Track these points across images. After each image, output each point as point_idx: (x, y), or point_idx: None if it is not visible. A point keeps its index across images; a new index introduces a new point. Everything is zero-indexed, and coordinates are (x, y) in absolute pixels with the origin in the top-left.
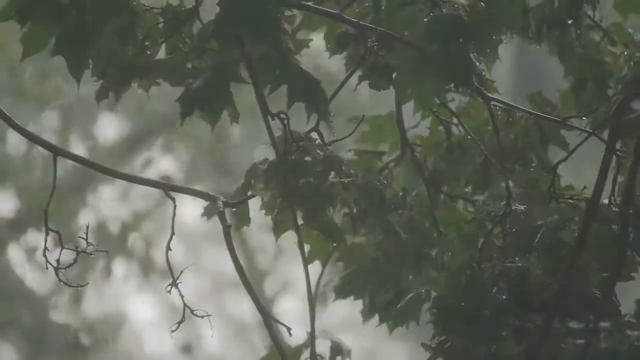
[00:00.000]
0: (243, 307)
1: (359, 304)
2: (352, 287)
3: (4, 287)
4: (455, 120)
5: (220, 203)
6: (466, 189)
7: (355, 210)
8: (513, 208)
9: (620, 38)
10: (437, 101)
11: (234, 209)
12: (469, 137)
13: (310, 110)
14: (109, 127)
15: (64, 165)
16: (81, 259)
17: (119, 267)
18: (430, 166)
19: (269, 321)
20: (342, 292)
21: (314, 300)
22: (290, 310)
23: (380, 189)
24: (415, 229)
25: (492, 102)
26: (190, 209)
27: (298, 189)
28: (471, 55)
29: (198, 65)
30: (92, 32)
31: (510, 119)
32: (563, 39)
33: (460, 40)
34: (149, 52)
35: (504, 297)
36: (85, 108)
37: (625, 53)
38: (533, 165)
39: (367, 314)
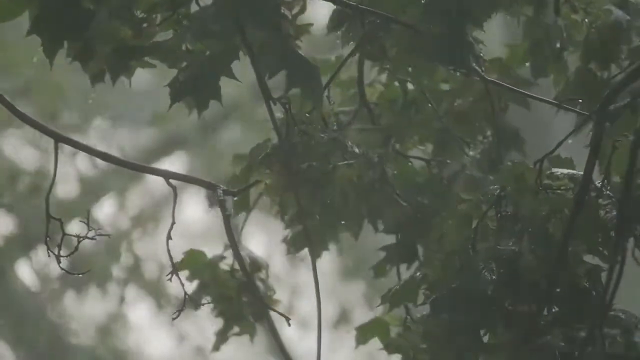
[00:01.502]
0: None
1: (353, 300)
2: (303, 243)
3: (16, 305)
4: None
5: (221, 191)
6: (421, 147)
7: (358, 187)
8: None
9: (579, 2)
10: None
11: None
12: (429, 105)
13: (307, 97)
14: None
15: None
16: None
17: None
18: (385, 122)
19: (268, 312)
20: (293, 247)
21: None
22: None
23: (382, 166)
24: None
25: (490, 84)
26: (191, 210)
27: (301, 172)
28: (469, 36)
29: (194, 48)
30: (88, 12)
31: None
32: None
33: (458, 22)
34: (145, 35)
35: (494, 277)
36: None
37: (586, 20)
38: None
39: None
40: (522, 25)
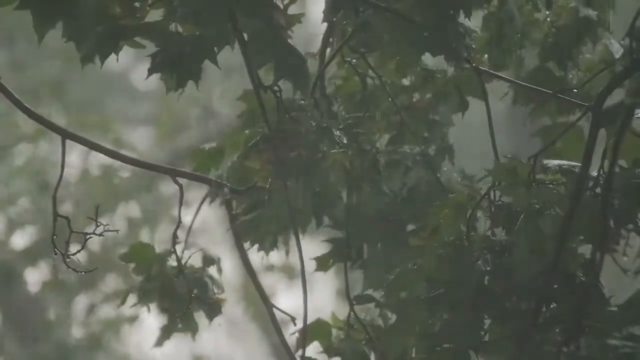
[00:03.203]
0: (239, 309)
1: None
2: (254, 233)
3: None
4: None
5: (227, 190)
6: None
7: (350, 174)
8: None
9: (540, 2)
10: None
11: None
12: (389, 99)
13: (297, 87)
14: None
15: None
16: None
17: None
18: (344, 115)
19: (272, 310)
20: (245, 236)
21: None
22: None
23: (374, 153)
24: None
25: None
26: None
27: (290, 160)
28: (460, 27)
29: (184, 30)
30: None
31: (429, 79)
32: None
33: (451, 12)
34: (138, 15)
35: (488, 268)
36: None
37: (549, 19)
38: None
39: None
40: (482, 17)
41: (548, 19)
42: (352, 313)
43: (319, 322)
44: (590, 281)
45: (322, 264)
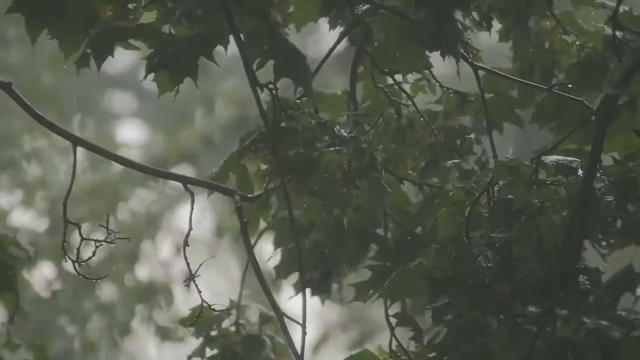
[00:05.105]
0: None
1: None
2: (293, 267)
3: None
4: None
5: (238, 198)
6: (410, 171)
7: (348, 172)
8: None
9: (571, 27)
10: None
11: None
12: (421, 119)
13: (297, 85)
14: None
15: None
16: None
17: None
18: (380, 146)
19: (282, 318)
20: (282, 272)
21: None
22: None
23: (371, 150)
24: (361, 207)
25: (480, 70)
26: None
27: (288, 158)
28: (457, 22)
29: (177, 31)
30: None
31: (460, 103)
32: (518, 26)
33: (447, 7)
34: (131, 17)
35: (489, 265)
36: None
37: (578, 43)
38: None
39: (298, 288)
40: (512, 49)
41: (577, 42)
42: (393, 338)
43: (365, 354)
44: (569, 267)
45: (362, 293)
